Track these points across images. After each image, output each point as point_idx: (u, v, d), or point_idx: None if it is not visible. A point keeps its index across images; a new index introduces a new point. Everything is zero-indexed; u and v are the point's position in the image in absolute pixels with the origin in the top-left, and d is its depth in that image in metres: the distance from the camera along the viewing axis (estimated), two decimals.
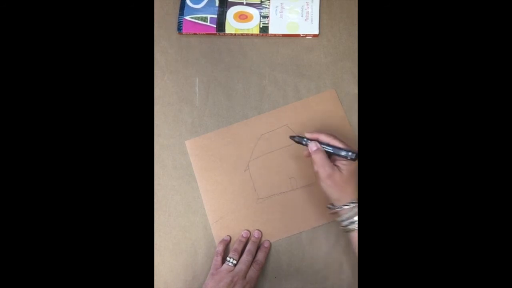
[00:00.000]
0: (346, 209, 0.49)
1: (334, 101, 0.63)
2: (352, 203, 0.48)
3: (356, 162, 0.50)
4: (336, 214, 0.50)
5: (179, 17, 0.67)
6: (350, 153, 0.49)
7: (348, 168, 0.49)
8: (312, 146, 0.52)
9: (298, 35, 0.65)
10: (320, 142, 0.52)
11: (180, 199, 0.61)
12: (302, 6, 0.66)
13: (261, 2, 0.67)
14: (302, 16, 0.66)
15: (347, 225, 0.48)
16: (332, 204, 0.50)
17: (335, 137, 0.52)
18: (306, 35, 0.65)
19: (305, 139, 0.53)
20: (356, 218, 0.47)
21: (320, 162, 0.50)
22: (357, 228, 0.47)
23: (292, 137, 0.55)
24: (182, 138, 0.63)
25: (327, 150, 0.51)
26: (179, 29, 0.66)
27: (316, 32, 0.65)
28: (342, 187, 0.49)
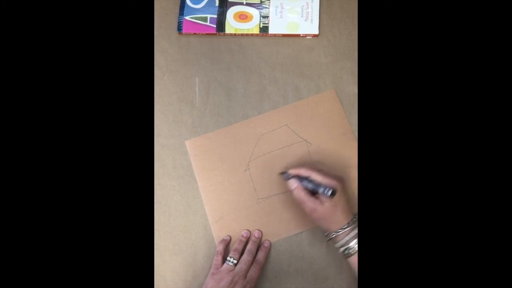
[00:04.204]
0: (339, 235, 0.49)
1: (334, 101, 0.63)
2: (342, 229, 0.49)
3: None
4: (332, 241, 0.51)
5: (179, 17, 0.67)
6: (327, 190, 0.48)
7: (330, 199, 0.48)
8: (291, 184, 0.52)
9: (298, 35, 0.65)
10: (301, 176, 0.52)
11: (180, 199, 0.61)
12: (302, 6, 0.66)
13: (261, 2, 0.67)
14: (302, 16, 0.66)
15: (343, 251, 0.49)
16: (327, 233, 0.51)
17: (316, 169, 0.52)
18: (306, 35, 0.65)
19: (289, 175, 0.54)
20: (352, 243, 0.48)
21: (300, 200, 0.51)
22: (353, 254, 0.48)
23: (280, 174, 0.57)
24: (182, 138, 0.63)
25: (306, 186, 0.51)
26: (179, 29, 0.66)
27: (316, 32, 0.65)
28: (327, 219, 0.49)
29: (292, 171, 0.53)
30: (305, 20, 0.65)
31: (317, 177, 0.50)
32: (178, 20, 0.67)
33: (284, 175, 0.56)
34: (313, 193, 0.51)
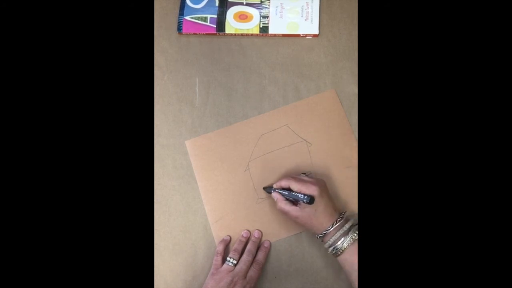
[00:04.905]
0: (326, 236, 0.51)
1: (334, 101, 0.63)
2: (327, 230, 0.50)
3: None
4: (322, 241, 0.53)
5: (179, 17, 0.67)
6: (305, 198, 0.50)
7: (310, 205, 0.51)
8: (274, 197, 0.55)
9: (298, 35, 0.65)
10: (283, 188, 0.54)
11: (180, 199, 0.61)
12: (302, 6, 0.66)
13: (261, 2, 0.67)
14: (302, 16, 0.66)
15: (331, 251, 0.51)
16: (316, 235, 0.53)
17: (294, 178, 0.54)
18: (306, 35, 0.65)
19: (272, 189, 0.56)
20: (338, 243, 0.50)
21: (283, 211, 0.53)
22: (340, 253, 0.50)
23: (264, 188, 0.59)
24: (182, 138, 0.63)
25: (287, 197, 0.53)
26: (179, 29, 0.66)
27: (316, 32, 0.65)
28: (310, 223, 0.51)
29: (275, 185, 0.56)
30: (305, 20, 0.65)
31: (295, 185, 0.52)
32: (178, 20, 0.67)
33: (267, 189, 0.58)
34: (295, 202, 0.53)
